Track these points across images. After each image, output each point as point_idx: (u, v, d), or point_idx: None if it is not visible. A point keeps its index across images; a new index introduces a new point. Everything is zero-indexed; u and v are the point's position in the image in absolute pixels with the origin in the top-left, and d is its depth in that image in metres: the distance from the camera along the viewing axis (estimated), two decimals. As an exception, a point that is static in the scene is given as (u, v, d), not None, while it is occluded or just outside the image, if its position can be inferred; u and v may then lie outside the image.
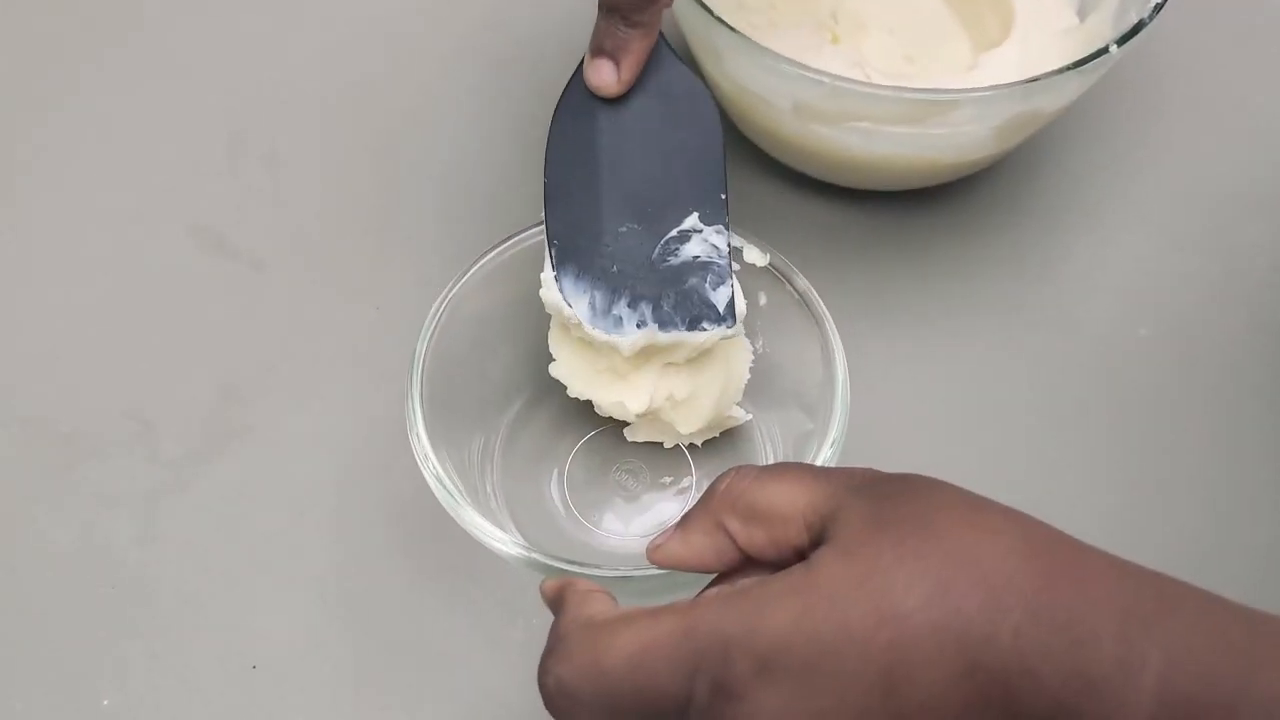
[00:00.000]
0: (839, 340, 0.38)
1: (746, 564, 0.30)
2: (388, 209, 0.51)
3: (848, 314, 0.40)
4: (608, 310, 0.38)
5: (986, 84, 0.41)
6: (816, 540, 0.28)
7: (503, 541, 0.35)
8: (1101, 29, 0.46)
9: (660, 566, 0.32)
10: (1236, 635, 0.24)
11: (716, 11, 0.42)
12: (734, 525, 0.30)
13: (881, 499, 0.27)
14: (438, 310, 0.39)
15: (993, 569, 0.25)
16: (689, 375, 0.40)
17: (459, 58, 0.56)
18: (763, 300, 0.41)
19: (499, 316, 0.41)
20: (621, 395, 0.40)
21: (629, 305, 0.38)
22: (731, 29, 0.42)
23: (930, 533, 0.26)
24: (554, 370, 0.40)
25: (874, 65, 0.49)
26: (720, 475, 0.31)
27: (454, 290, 0.39)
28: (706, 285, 0.38)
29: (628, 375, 0.40)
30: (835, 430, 0.37)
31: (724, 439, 0.43)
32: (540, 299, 0.39)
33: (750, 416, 0.42)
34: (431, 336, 0.38)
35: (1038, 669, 0.24)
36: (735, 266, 0.39)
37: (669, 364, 0.40)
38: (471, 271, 0.39)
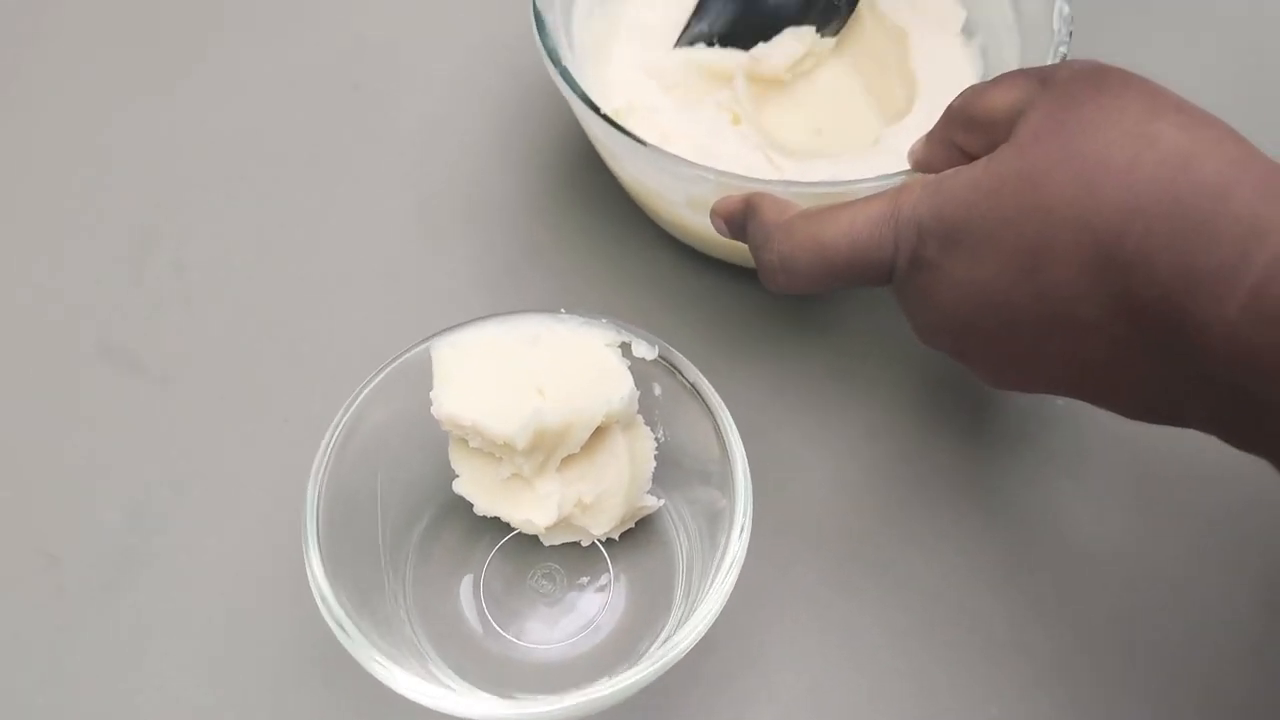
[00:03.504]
0: (735, 430, 0.38)
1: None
2: (298, 314, 0.50)
3: (753, 395, 0.40)
4: None
5: (882, 168, 0.40)
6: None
7: (411, 688, 0.33)
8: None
9: (914, 170, 0.39)
10: None
11: (606, 112, 0.42)
12: (959, 136, 0.35)
13: (1066, 97, 0.31)
14: (331, 436, 0.38)
15: (1142, 177, 0.28)
16: (595, 478, 0.40)
17: (358, 163, 0.56)
18: (657, 390, 0.41)
19: (398, 433, 0.40)
20: (529, 511, 0.39)
21: None
22: (623, 131, 0.41)
23: (1096, 137, 0.29)
24: (458, 487, 0.40)
25: (780, 141, 0.48)
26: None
27: (347, 413, 0.38)
28: None
29: (533, 480, 0.39)
30: (740, 516, 0.36)
31: (639, 530, 0.42)
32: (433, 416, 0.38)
33: (663, 502, 0.42)
34: (326, 465, 0.37)
35: (1155, 261, 0.28)
36: (627, 360, 0.39)
37: (569, 460, 0.39)
38: (364, 392, 0.39)
